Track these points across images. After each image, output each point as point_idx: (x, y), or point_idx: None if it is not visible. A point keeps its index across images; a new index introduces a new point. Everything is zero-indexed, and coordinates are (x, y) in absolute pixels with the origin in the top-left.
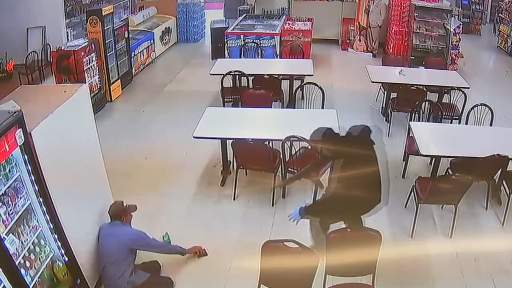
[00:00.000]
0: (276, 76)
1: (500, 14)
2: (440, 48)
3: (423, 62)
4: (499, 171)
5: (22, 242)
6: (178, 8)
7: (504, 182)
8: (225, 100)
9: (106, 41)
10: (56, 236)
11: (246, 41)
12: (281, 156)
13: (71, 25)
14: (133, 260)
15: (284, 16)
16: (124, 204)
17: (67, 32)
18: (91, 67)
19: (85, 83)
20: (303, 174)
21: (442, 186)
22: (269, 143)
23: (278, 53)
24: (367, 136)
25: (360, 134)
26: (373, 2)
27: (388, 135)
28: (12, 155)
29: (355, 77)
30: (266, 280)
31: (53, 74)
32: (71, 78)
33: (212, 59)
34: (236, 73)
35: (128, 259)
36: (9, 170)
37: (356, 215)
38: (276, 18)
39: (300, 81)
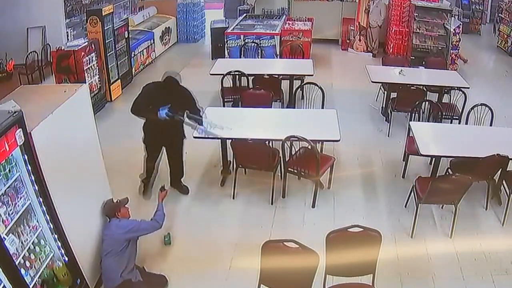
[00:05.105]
0: (276, 76)
1: (500, 14)
2: (440, 48)
3: (423, 62)
4: (499, 171)
5: (22, 242)
6: (178, 8)
7: (504, 182)
8: (225, 100)
9: (106, 41)
10: (56, 236)
11: (246, 41)
12: (281, 156)
13: (71, 25)
14: (132, 255)
15: (284, 16)
16: (114, 201)
17: (67, 32)
18: (91, 67)
19: (85, 83)
20: None
21: (442, 186)
22: (269, 143)
23: (278, 53)
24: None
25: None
26: (373, 2)
27: (388, 135)
28: (12, 155)
29: (355, 77)
30: (266, 280)
31: (53, 74)
32: (71, 78)
33: (212, 59)
34: (236, 73)
35: (126, 252)
36: (9, 170)
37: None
38: (276, 18)
39: (300, 81)
